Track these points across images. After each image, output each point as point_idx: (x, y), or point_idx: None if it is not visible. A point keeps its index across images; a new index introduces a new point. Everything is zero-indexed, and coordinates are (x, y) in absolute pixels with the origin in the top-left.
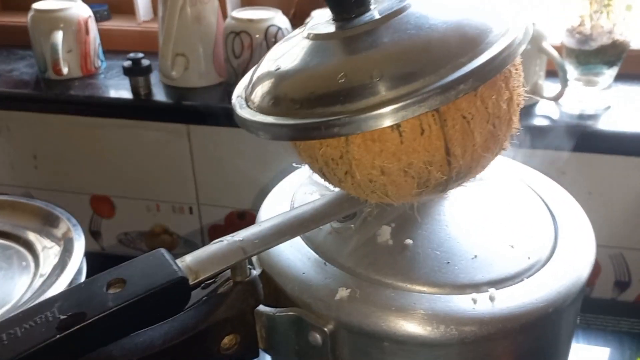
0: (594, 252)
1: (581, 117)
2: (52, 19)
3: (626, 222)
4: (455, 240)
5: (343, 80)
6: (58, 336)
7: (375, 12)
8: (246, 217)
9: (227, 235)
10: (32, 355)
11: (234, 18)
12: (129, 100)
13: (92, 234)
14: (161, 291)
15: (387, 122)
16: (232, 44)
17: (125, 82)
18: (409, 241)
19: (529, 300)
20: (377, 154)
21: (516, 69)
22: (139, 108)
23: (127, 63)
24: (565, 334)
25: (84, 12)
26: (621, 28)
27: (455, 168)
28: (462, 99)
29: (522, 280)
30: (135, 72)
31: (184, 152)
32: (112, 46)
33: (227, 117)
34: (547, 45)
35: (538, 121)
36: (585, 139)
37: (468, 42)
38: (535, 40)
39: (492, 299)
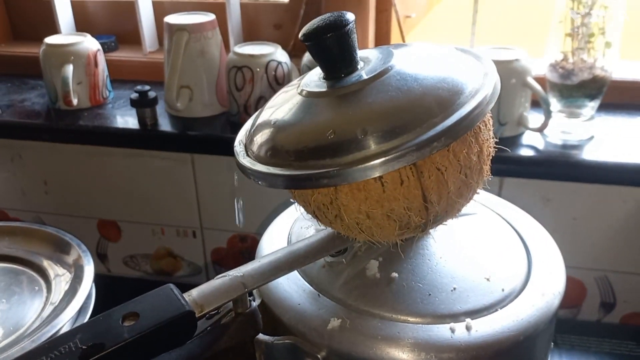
0: (564, 284)
1: (565, 147)
2: (63, 53)
3: (610, 246)
4: (437, 273)
5: (332, 137)
6: None
7: (362, 72)
8: (247, 241)
9: (230, 271)
10: None
11: (236, 53)
12: (135, 131)
13: (99, 256)
14: (171, 323)
15: (371, 175)
16: (234, 78)
17: (132, 111)
18: (394, 274)
19: (502, 329)
20: (363, 201)
21: (485, 125)
22: (146, 138)
23: (134, 95)
24: (538, 358)
25: (93, 45)
26: (602, 63)
27: (432, 213)
28: (437, 154)
29: (496, 310)
30: (142, 104)
31: (188, 179)
32: (120, 76)
33: (228, 147)
34: (531, 80)
35: (524, 151)
36: (570, 168)
37: (442, 103)
38: (520, 75)
39: (468, 328)
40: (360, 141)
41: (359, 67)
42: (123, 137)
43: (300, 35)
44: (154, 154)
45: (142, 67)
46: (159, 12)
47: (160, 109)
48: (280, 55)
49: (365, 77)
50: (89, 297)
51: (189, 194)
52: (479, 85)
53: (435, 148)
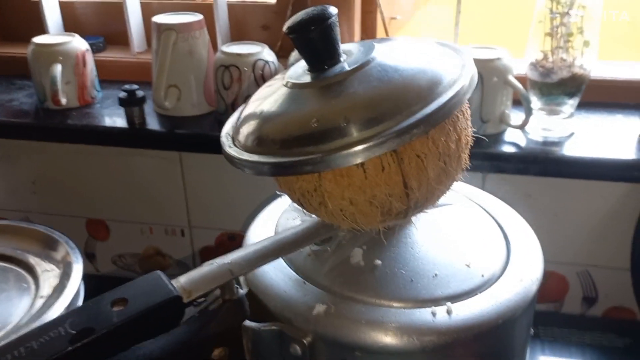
0: (542, 270)
1: (545, 143)
2: (51, 52)
3: (591, 241)
4: (419, 260)
5: (316, 125)
6: (70, 348)
7: (345, 64)
8: (236, 239)
9: (217, 258)
10: None
11: (223, 52)
12: (124, 129)
13: (87, 256)
14: (159, 308)
15: (353, 161)
16: (222, 77)
17: (121, 111)
18: (378, 262)
19: (481, 313)
20: (346, 187)
21: (463, 114)
22: (134, 137)
23: (123, 94)
24: (517, 342)
25: (82, 45)
26: (580, 62)
27: (413, 199)
28: (416, 141)
29: (475, 295)
30: (130, 103)
31: (177, 178)
32: (108, 76)
33: (216, 145)
34: (512, 78)
35: (506, 148)
36: (550, 164)
37: (421, 92)
38: (502, 74)
39: (449, 312)
40: (343, 129)
41: (341, 59)
42: (111, 136)
43: (285, 27)
44: (142, 152)
45: (131, 67)
46: (147, 12)
47: (149, 109)
48: (267, 54)
49: (347, 68)
50: (77, 294)
51: (177, 193)
52: (457, 76)
53: (414, 135)
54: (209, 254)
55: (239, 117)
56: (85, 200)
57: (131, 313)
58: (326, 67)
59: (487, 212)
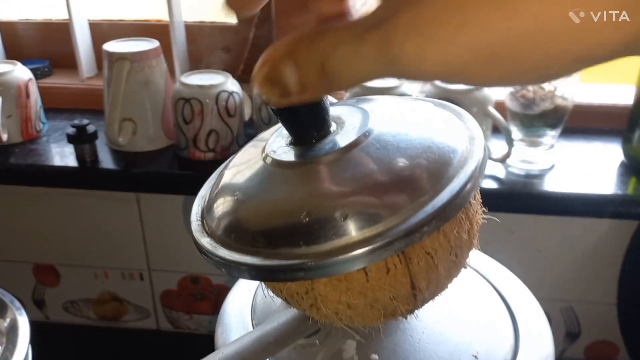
0: (553, 349)
1: (527, 176)
2: None
3: (574, 277)
4: (421, 352)
5: (307, 219)
6: None
7: (336, 137)
8: (200, 282)
9: None
10: None
11: (183, 84)
12: (73, 169)
13: (36, 303)
14: None
15: (354, 267)
16: (182, 110)
17: (70, 146)
18: (374, 356)
19: None
20: (344, 291)
21: (474, 197)
22: (85, 176)
23: (72, 130)
24: None
25: (24, 75)
26: (562, 91)
27: (420, 299)
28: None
29: None
30: (80, 140)
31: (134, 219)
32: (55, 104)
33: (176, 184)
34: (492, 110)
35: (487, 183)
36: (533, 200)
37: (430, 176)
38: (482, 105)
39: None
40: (340, 226)
41: (331, 130)
42: (60, 176)
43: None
44: (95, 193)
45: (79, 94)
46: (97, 34)
47: (101, 143)
48: (231, 84)
49: (340, 145)
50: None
51: (134, 235)
52: (467, 151)
53: (425, 233)
54: (170, 298)
55: (209, 195)
56: (31, 244)
57: None
58: (314, 140)
59: (487, 280)
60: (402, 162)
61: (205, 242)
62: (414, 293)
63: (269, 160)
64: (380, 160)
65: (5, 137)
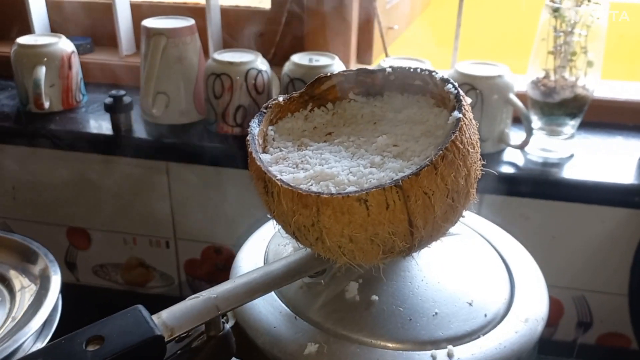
0: (547, 309)
1: (545, 164)
2: (35, 54)
3: (588, 266)
4: (418, 297)
5: None
6: None
7: None
8: (222, 252)
9: (203, 291)
10: None
11: (215, 60)
12: (109, 137)
13: (68, 265)
14: (138, 348)
15: None
16: (212, 85)
17: (107, 116)
18: (374, 297)
19: (484, 357)
20: (346, 224)
21: (474, 147)
22: (119, 144)
23: (109, 100)
24: None
25: (68, 47)
26: (583, 82)
27: (417, 237)
28: (424, 178)
29: (478, 337)
30: (116, 110)
31: (163, 188)
32: (94, 79)
33: (205, 156)
34: (513, 97)
35: (505, 168)
36: (549, 187)
37: None
38: (503, 92)
39: (450, 355)
40: None
41: None
42: (96, 143)
43: None
44: (127, 161)
45: (118, 70)
46: (137, 14)
47: (136, 115)
48: (260, 63)
49: None
50: (54, 309)
51: (163, 203)
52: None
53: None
54: (194, 266)
55: None
56: (66, 208)
57: (107, 354)
58: None
59: (490, 243)
60: None
61: None
62: (411, 231)
63: None
64: None
65: (47, 104)
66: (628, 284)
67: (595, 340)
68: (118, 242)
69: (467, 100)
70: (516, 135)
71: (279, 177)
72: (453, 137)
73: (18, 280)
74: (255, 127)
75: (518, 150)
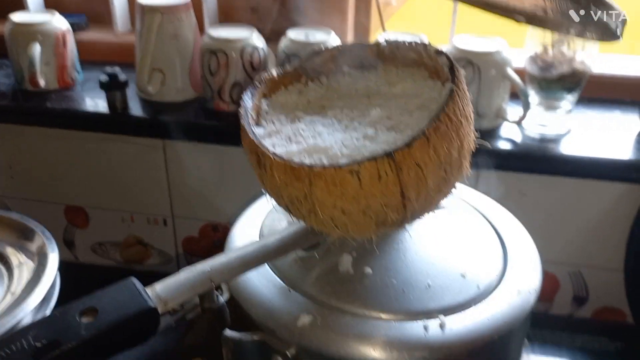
0: (540, 281)
1: (542, 140)
2: (30, 32)
3: (584, 241)
4: (412, 269)
5: None
6: None
7: None
8: (220, 230)
9: (197, 264)
10: None
11: (210, 36)
12: (105, 115)
13: (66, 243)
14: (132, 320)
15: None
16: (208, 62)
17: (102, 94)
18: (368, 270)
19: (476, 328)
20: (339, 196)
21: (467, 119)
22: (115, 122)
23: (104, 78)
24: (512, 356)
25: (62, 25)
26: (581, 57)
27: (410, 210)
28: (416, 149)
29: (470, 307)
30: (112, 87)
31: (160, 166)
32: (90, 57)
33: (201, 133)
34: (510, 71)
35: (502, 144)
36: (546, 162)
37: None
38: (500, 67)
39: (442, 326)
40: None
41: None
42: (92, 121)
43: None
44: (124, 139)
45: (113, 48)
46: None
47: (131, 93)
48: (256, 39)
49: None
50: (52, 286)
51: (160, 181)
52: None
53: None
54: (192, 244)
55: None
56: (64, 186)
57: (101, 325)
58: None
59: (484, 216)
60: None
61: None
62: (403, 202)
63: None
64: None
65: (42, 82)
66: (624, 259)
67: (590, 314)
68: (116, 220)
69: (461, 72)
70: (514, 111)
71: (271, 150)
72: (446, 108)
73: (15, 257)
74: (248, 101)
75: (515, 126)
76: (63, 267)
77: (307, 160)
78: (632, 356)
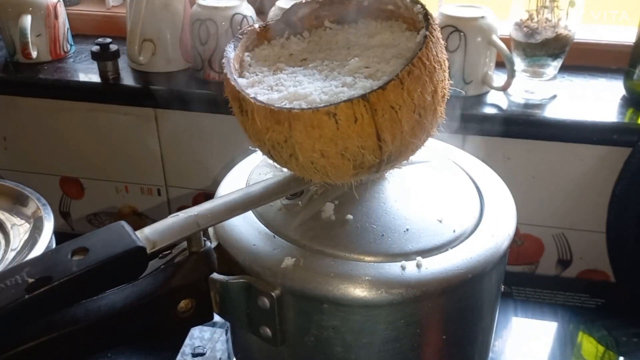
0: (514, 227)
1: (527, 106)
2: (20, 3)
3: (568, 204)
4: (391, 215)
5: None
6: (27, 297)
7: None
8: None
9: (184, 210)
10: (3, 314)
11: (200, 5)
12: (97, 85)
13: (62, 214)
14: (121, 258)
15: None
16: (198, 31)
17: (94, 66)
18: (349, 216)
19: (451, 267)
20: (317, 139)
21: (440, 65)
22: (107, 92)
23: (96, 48)
24: (487, 298)
25: None
26: (565, 22)
27: (386, 152)
28: (391, 92)
29: (446, 250)
30: (104, 57)
31: (152, 135)
32: (81, 30)
33: (193, 102)
34: (496, 38)
35: (488, 109)
36: (530, 127)
37: None
38: (486, 34)
39: (418, 266)
40: None
41: None
42: (84, 91)
43: None
44: (116, 108)
45: (105, 21)
46: None
47: (123, 64)
48: (245, 8)
49: None
50: (48, 248)
51: (152, 151)
52: None
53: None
54: None
55: None
56: (58, 158)
57: (91, 263)
58: None
59: (463, 170)
60: None
61: None
62: (379, 145)
63: None
64: None
65: (35, 54)
66: (606, 221)
67: (575, 276)
68: (110, 190)
69: (434, 20)
70: (499, 78)
71: (252, 96)
72: (419, 53)
73: (10, 221)
74: (230, 52)
75: (501, 93)
76: (59, 238)
77: (288, 106)
78: (611, 311)
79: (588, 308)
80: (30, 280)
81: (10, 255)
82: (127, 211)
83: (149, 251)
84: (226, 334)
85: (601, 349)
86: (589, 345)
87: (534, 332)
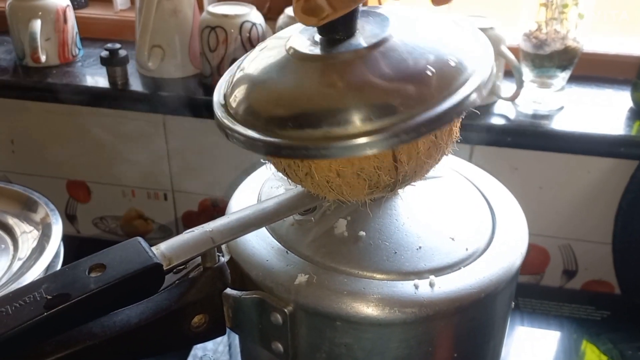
0: (526, 245)
1: (535, 116)
2: (30, 7)
3: (574, 215)
4: (403, 232)
5: (323, 104)
6: (45, 314)
7: (360, 38)
8: (219, 204)
9: (199, 226)
10: (22, 331)
11: (209, 13)
12: (105, 90)
13: (68, 217)
14: (138, 275)
15: (358, 153)
16: (207, 38)
17: (103, 70)
18: (362, 233)
19: (464, 286)
20: (333, 159)
21: None
22: (116, 97)
23: (104, 53)
24: (498, 316)
25: (62, 1)
26: (574, 34)
27: (401, 172)
28: None
29: (459, 268)
30: (112, 63)
31: (160, 141)
32: (90, 34)
33: (201, 109)
34: (504, 48)
35: (495, 120)
36: (538, 138)
37: (437, 85)
38: (494, 44)
39: (431, 284)
40: (352, 115)
41: (356, 32)
42: (93, 96)
43: None
44: (124, 114)
45: (113, 25)
46: None
47: (132, 69)
48: (254, 16)
49: (363, 45)
50: (57, 256)
51: (160, 156)
52: (475, 67)
53: (422, 133)
54: (191, 219)
55: (231, 80)
56: (65, 161)
57: (109, 280)
58: (338, 37)
59: (474, 185)
60: (414, 66)
61: (225, 119)
62: (395, 165)
63: (291, 51)
64: (395, 65)
65: (43, 58)
66: (612, 232)
67: (580, 287)
68: (117, 194)
69: None
70: (507, 88)
71: None
72: None
73: (19, 227)
74: None
75: (509, 103)
76: (66, 241)
77: None
78: (617, 324)
79: (593, 320)
80: (49, 297)
81: (17, 264)
82: (133, 215)
83: (165, 268)
84: (229, 346)
85: None
86: (593, 357)
87: (539, 343)
